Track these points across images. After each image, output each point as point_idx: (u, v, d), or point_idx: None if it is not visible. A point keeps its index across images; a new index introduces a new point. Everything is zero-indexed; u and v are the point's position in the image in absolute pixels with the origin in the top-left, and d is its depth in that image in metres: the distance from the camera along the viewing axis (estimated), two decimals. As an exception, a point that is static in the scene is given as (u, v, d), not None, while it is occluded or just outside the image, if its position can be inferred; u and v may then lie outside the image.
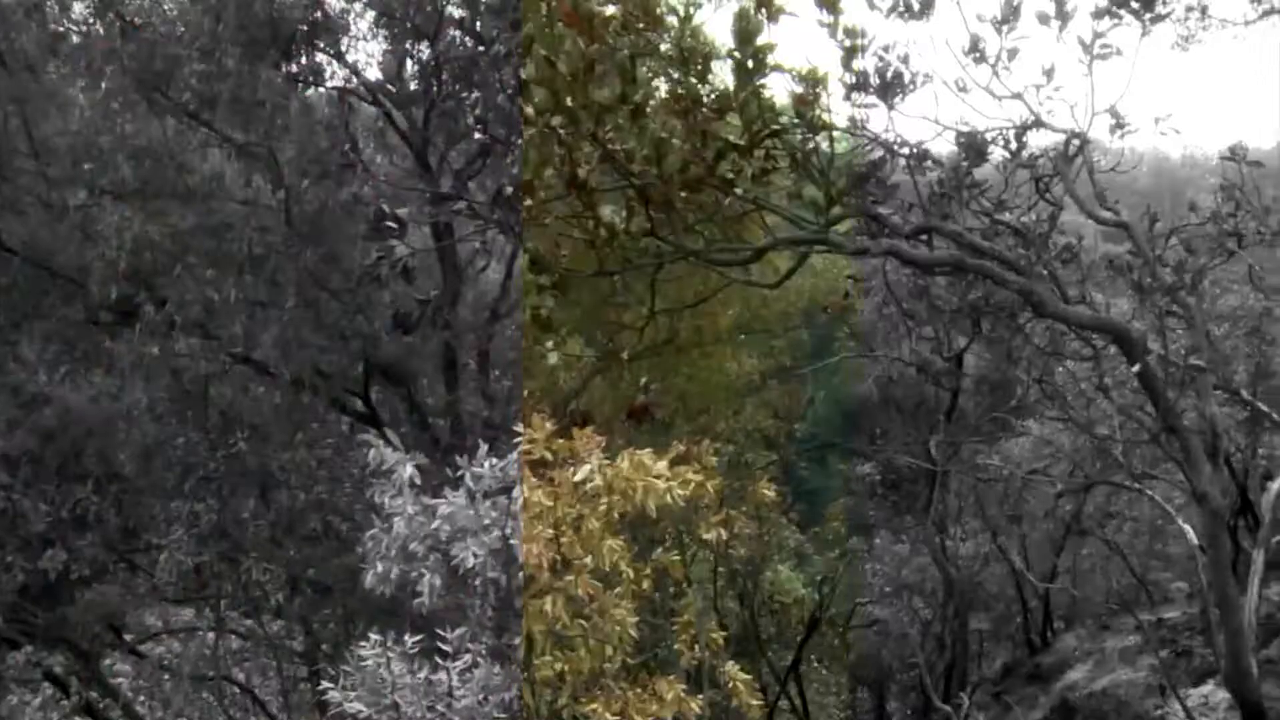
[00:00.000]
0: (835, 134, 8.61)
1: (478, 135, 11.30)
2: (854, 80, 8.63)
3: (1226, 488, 19.45)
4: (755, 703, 8.19)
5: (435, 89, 13.99)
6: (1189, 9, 18.87)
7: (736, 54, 8.33)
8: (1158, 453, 13.38)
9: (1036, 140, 10.67)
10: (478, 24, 8.34)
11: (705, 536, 8.38)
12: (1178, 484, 13.50)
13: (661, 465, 6.91)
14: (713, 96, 8.62)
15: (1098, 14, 9.68)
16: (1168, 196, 25.52)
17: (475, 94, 9.15)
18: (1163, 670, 16.90)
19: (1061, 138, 10.19)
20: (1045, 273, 9.66)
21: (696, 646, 8.30)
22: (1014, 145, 9.98)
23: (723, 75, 9.05)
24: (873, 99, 8.46)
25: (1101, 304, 11.86)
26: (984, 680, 22.54)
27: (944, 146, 9.58)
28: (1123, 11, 9.97)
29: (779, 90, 8.74)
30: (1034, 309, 9.48)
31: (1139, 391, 11.51)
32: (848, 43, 8.41)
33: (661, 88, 9.32)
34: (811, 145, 8.16)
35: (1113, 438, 13.49)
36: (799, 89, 8.31)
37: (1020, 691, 21.25)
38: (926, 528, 14.36)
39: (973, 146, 9.18)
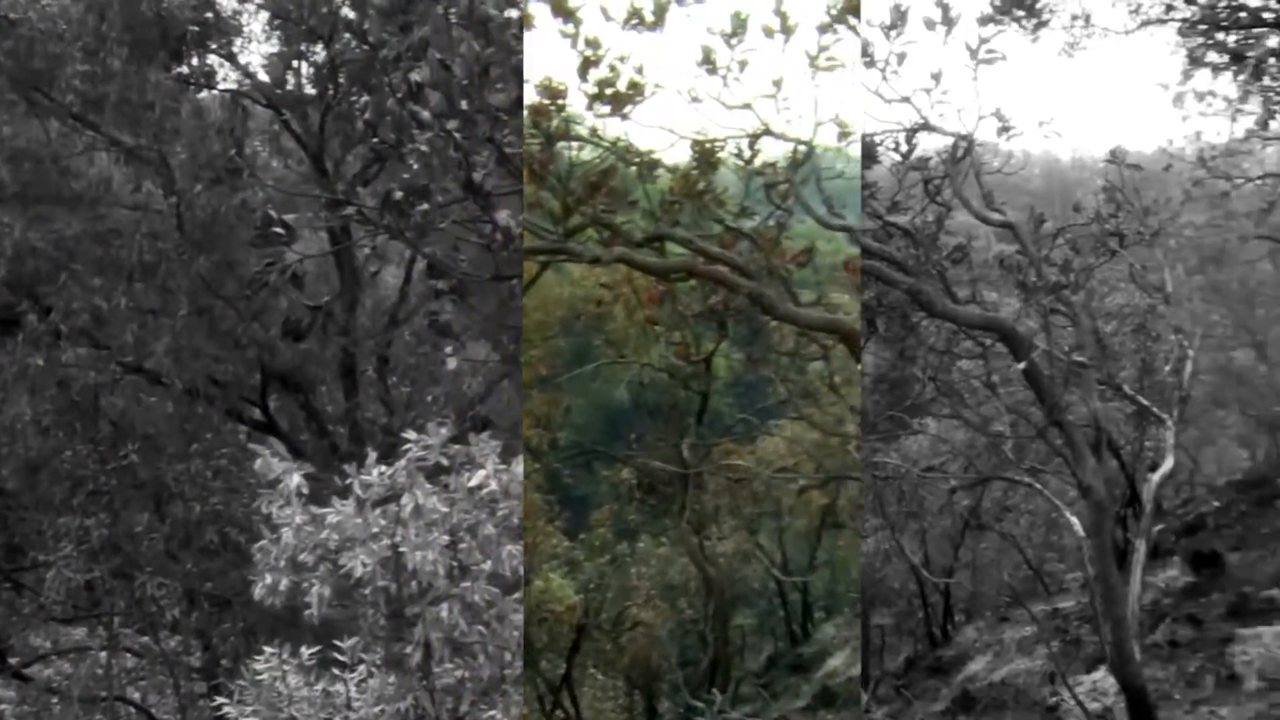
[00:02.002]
0: (576, 144, 8.79)
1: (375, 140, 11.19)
2: (594, 90, 8.77)
3: (1115, 479, 20.16)
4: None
5: (331, 92, 13.84)
6: (1074, 17, 19.55)
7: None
8: (1052, 447, 13.78)
9: (930, 143, 10.96)
10: (366, 26, 8.23)
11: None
12: (1069, 478, 13.94)
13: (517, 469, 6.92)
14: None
15: (983, 20, 9.96)
16: (1058, 198, 26.29)
17: (365, 98, 9.04)
18: (1054, 659, 17.40)
19: (950, 141, 10.46)
20: (935, 273, 9.89)
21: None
22: (904, 148, 10.21)
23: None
24: (607, 108, 8.60)
25: (994, 303, 12.20)
26: (886, 675, 23.00)
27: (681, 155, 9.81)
28: (1006, 18, 10.29)
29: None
30: (923, 308, 9.70)
31: (1030, 388, 11.84)
32: (587, 53, 8.55)
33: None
34: (547, 155, 8.29)
35: (1004, 434, 13.87)
36: (535, 99, 8.45)
37: (922, 685, 21.72)
38: (681, 529, 14.67)
39: (704, 155, 9.40)
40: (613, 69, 8.45)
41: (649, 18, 8.45)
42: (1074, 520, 11.60)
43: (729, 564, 16.38)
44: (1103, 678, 16.48)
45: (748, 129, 9.23)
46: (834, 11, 8.50)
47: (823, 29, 8.63)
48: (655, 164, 9.31)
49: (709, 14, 8.54)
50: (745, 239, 9.51)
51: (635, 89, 8.63)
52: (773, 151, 9.38)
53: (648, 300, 11.44)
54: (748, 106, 8.94)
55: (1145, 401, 14.54)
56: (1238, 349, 26.38)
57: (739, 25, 8.48)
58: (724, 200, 9.68)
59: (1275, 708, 15.70)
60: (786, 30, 8.42)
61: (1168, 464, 13.23)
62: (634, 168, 9.18)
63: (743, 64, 8.62)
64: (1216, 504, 24.92)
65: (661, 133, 9.13)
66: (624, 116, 8.72)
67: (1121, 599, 10.70)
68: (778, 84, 8.81)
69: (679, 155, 9.45)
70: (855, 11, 8.41)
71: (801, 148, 9.12)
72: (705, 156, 9.40)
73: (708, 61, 8.68)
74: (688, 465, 13.62)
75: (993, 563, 24.52)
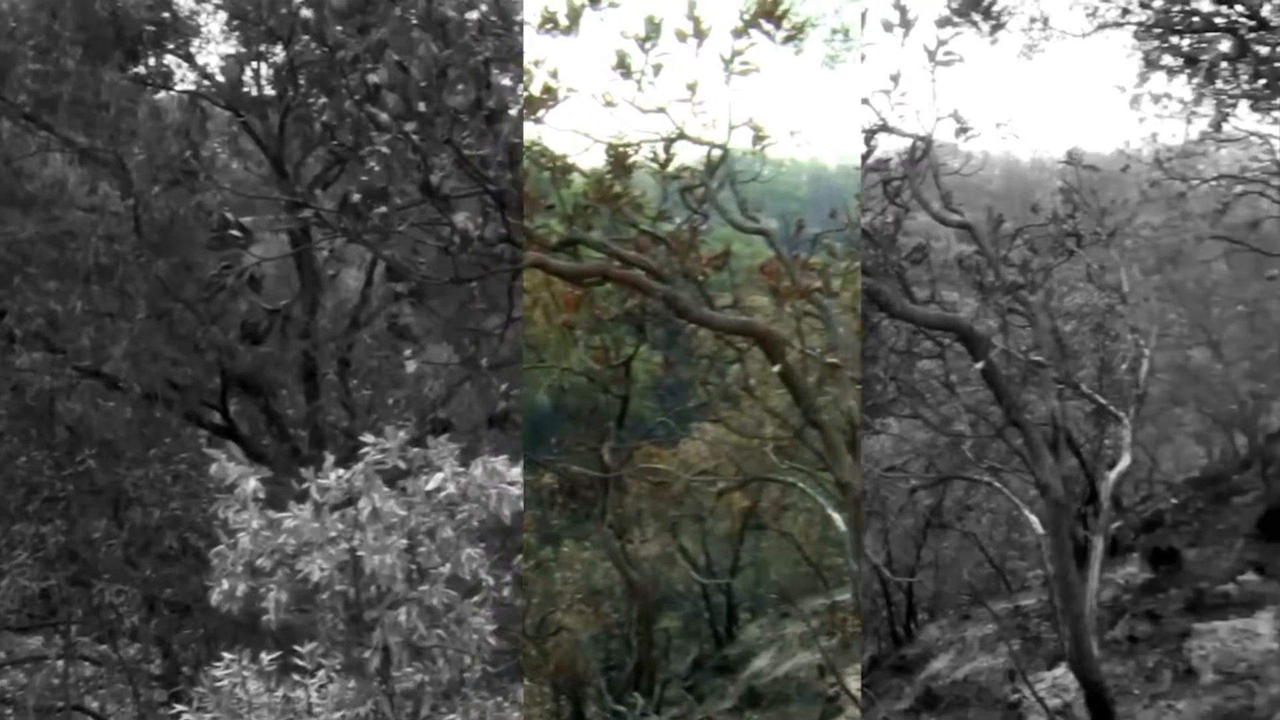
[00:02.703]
0: None
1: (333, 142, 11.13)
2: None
3: (1075, 477, 20.35)
4: (619, 709, 8.23)
5: (291, 94, 13.73)
6: (1032, 20, 19.73)
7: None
8: (1010, 446, 13.90)
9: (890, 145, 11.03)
10: (323, 27, 8.16)
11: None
12: (1030, 476, 14.07)
13: (515, 471, 6.89)
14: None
15: (941, 23, 10.04)
16: (1018, 199, 26.47)
17: (322, 99, 8.97)
18: (1014, 656, 17.55)
19: (908, 142, 10.53)
20: (894, 273, 9.96)
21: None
22: (864, 149, 10.28)
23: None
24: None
25: (954, 303, 12.29)
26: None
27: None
28: (964, 21, 10.38)
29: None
30: (882, 309, 9.77)
31: (989, 388, 11.94)
32: None
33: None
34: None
35: (964, 434, 13.98)
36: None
37: (885, 684, 21.85)
38: (603, 533, 14.70)
39: (618, 160, 9.46)
40: (526, 73, 8.47)
41: (563, 22, 8.47)
42: (1033, 518, 11.72)
43: (652, 567, 16.46)
44: (1063, 674, 16.63)
45: (663, 133, 9.27)
46: (747, 16, 8.54)
47: (737, 33, 8.68)
48: (570, 168, 9.34)
49: (623, 18, 8.58)
50: (661, 243, 9.53)
51: (549, 93, 8.65)
52: (689, 155, 9.43)
53: (565, 304, 11.44)
54: (662, 110, 8.99)
55: (1103, 400, 14.71)
56: (1194, 348, 26.71)
57: (653, 29, 8.51)
58: (641, 204, 9.71)
59: (1230, 700, 15.94)
60: (700, 34, 8.47)
61: (1124, 462, 13.40)
62: (548, 172, 9.20)
63: (657, 68, 8.66)
64: (1174, 501, 25.23)
65: (576, 137, 9.16)
66: (538, 120, 8.75)
67: (1080, 596, 10.82)
68: (692, 88, 8.86)
69: (594, 159, 9.48)
70: (770, 15, 8.46)
71: (717, 151, 9.16)
72: (620, 160, 9.44)
73: (622, 66, 8.71)
74: (609, 469, 13.64)
75: (955, 561, 24.70)
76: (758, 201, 9.69)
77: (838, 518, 12.02)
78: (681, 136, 9.22)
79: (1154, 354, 17.04)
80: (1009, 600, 21.26)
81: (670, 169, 9.52)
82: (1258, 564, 19.56)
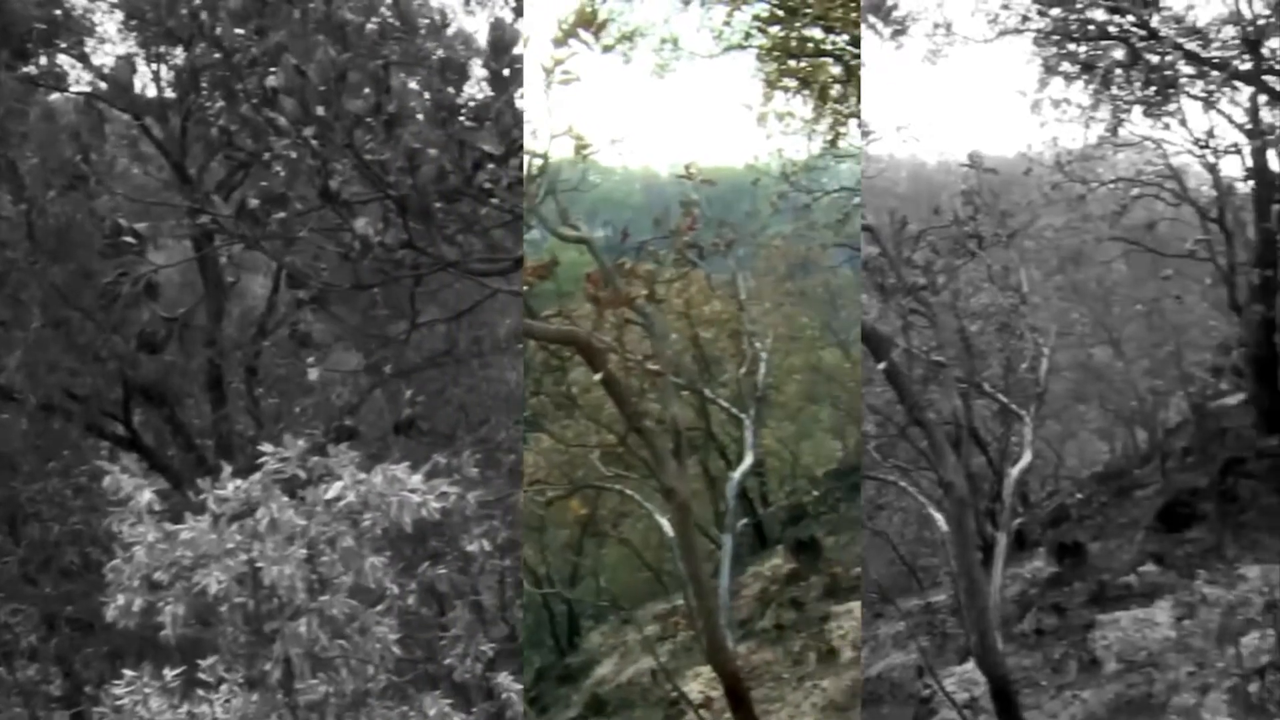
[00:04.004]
0: None
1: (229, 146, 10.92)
2: None
3: (984, 474, 20.78)
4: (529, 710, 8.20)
5: (193, 97, 13.40)
6: (935, 25, 20.17)
7: (492, 64, 8.36)
8: (914, 445, 14.15)
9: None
10: (218, 30, 8.02)
11: (468, 549, 8.37)
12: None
13: (416, 479, 6.83)
14: (470, 106, 8.60)
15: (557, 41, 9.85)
16: (924, 201, 26.97)
17: (220, 103, 8.82)
18: (923, 652, 17.88)
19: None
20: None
21: (466, 660, 8.28)
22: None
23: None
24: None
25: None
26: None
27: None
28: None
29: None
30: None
31: (892, 388, 12.14)
32: None
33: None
34: None
35: (868, 434, 14.22)
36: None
37: (554, 693, 21.93)
38: None
39: None
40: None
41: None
42: (938, 516, 11.96)
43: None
44: (973, 668, 17.01)
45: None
46: (566, 26, 8.59)
47: (557, 43, 8.73)
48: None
49: (446, 27, 8.60)
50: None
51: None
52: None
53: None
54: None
55: (1004, 399, 15.06)
56: (1096, 346, 27.44)
57: (474, 39, 8.55)
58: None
59: (1132, 688, 16.43)
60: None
61: (1026, 459, 13.73)
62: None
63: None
64: (1079, 496, 25.93)
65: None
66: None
67: (984, 592, 11.06)
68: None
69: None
70: (588, 24, 8.52)
71: (538, 161, 9.21)
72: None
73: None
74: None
75: (866, 559, 25.01)
76: (591, 210, 9.76)
77: (665, 523, 12.26)
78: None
79: (1056, 353, 17.50)
80: (919, 597, 21.62)
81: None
82: (1157, 555, 20.18)
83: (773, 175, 19.67)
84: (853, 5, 14.17)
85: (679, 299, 17.52)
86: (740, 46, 16.96)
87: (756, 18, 14.65)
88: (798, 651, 17.47)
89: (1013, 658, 17.41)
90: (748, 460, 14.83)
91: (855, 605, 18.04)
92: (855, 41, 14.73)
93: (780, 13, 13.99)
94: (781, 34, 14.28)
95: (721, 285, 17.66)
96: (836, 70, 16.36)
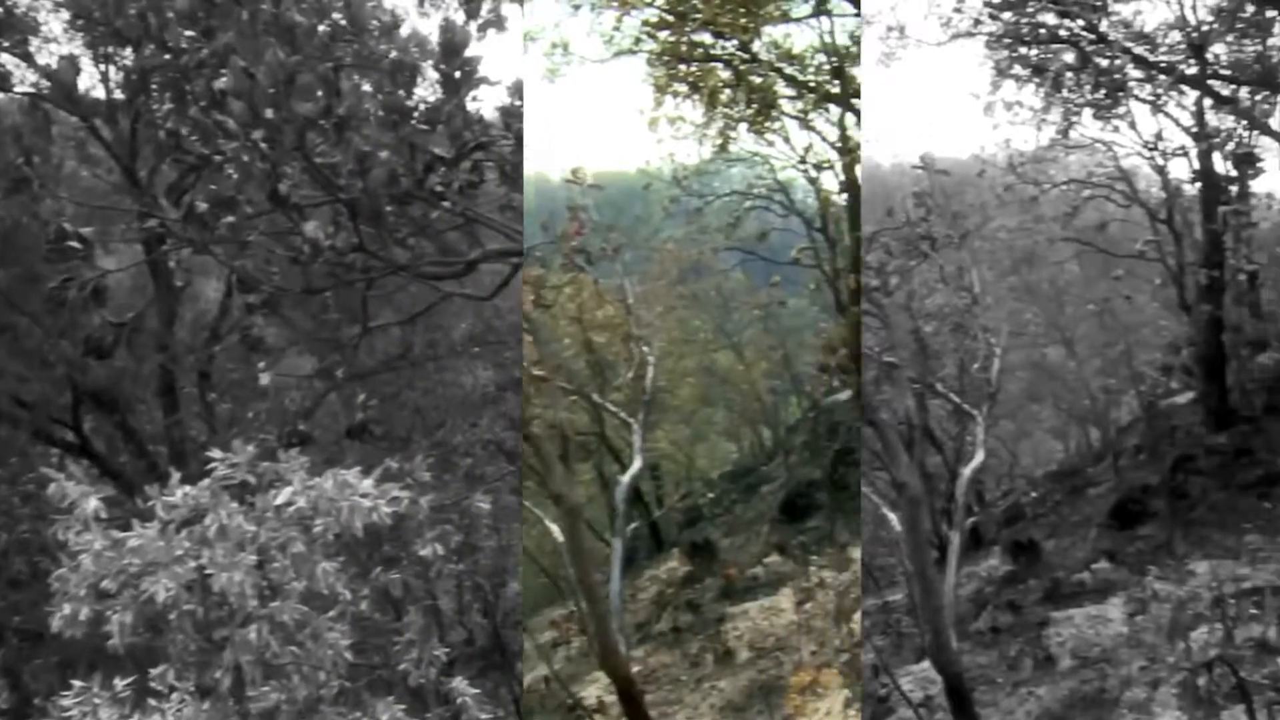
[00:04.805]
0: None
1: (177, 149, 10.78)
2: None
3: (940, 474, 20.96)
4: (484, 717, 8.14)
5: (143, 98, 13.22)
6: (889, 29, 20.36)
7: (443, 66, 8.33)
8: (867, 446, 14.26)
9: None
10: (165, 31, 7.92)
11: (421, 553, 8.32)
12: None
13: (367, 483, 6.78)
14: (421, 109, 8.56)
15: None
16: (879, 203, 27.15)
17: (168, 106, 8.71)
18: (879, 651, 18.01)
19: None
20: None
21: (421, 665, 8.22)
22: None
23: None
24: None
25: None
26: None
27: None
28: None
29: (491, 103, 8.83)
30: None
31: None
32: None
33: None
34: (518, 157, 8.23)
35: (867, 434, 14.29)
36: (509, 101, 8.38)
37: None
38: None
39: None
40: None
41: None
42: (892, 516, 12.05)
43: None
44: (929, 667, 17.15)
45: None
46: None
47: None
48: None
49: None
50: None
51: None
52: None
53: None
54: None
55: (956, 399, 15.20)
56: (1049, 346, 27.80)
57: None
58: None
59: (1086, 684, 16.62)
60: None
61: (978, 458, 13.86)
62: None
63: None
64: (1033, 494, 26.23)
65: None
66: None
67: (938, 590, 11.15)
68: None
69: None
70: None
71: None
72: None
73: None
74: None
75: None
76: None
77: (555, 529, 12.34)
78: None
79: (1010, 353, 17.69)
80: (876, 596, 21.76)
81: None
82: (1110, 552, 20.46)
83: (664, 179, 20.03)
84: (742, 11, 14.37)
85: (571, 304, 17.65)
86: (630, 51, 17.23)
87: (646, 23, 14.80)
88: (695, 653, 17.57)
89: (969, 655, 17.59)
90: (637, 464, 14.96)
91: (1075, 612, 18.26)
92: (745, 46, 15.00)
93: (670, 18, 14.13)
94: (671, 39, 14.50)
95: (612, 290, 17.75)
96: (726, 75, 16.64)
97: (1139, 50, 17.87)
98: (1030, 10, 18.06)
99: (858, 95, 18.02)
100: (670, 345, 20.80)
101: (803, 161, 21.69)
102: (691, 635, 18.23)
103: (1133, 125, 21.41)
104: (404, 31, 9.40)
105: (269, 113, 7.91)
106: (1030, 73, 19.07)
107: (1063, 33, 17.89)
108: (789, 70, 18.03)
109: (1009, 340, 18.18)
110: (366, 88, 8.75)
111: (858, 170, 19.83)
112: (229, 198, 8.19)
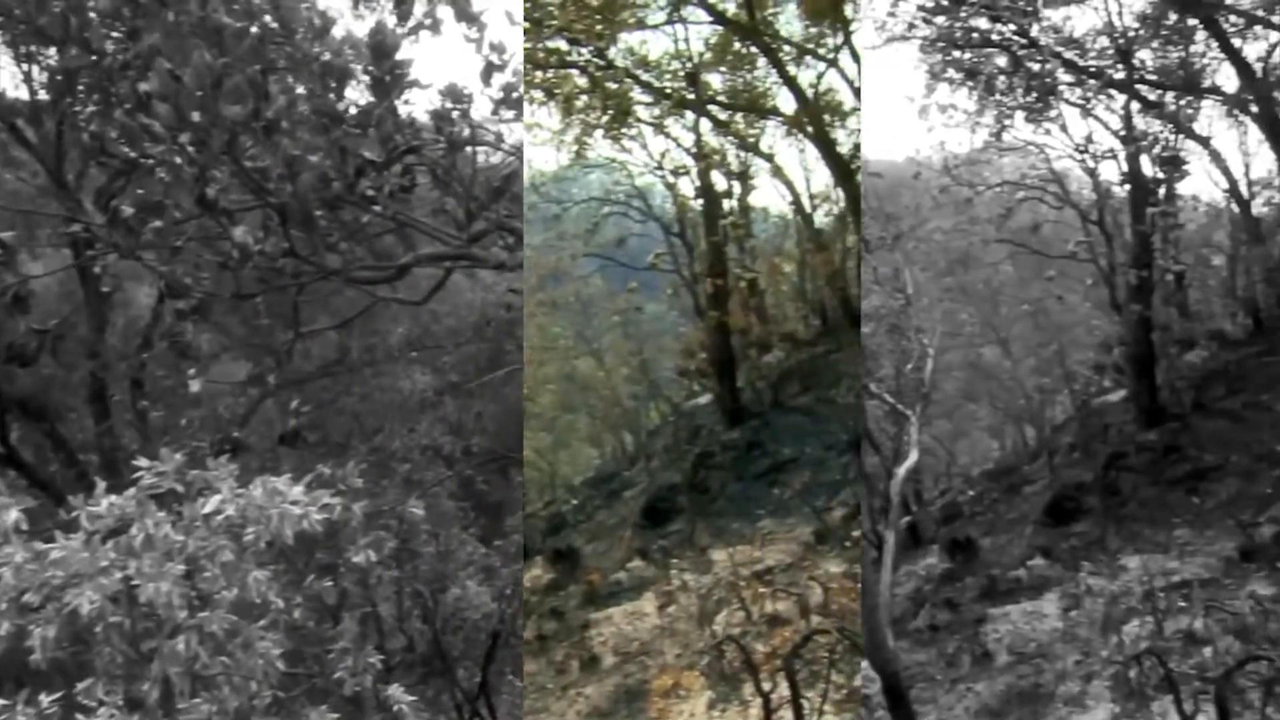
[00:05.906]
0: (482, 149, 8.72)
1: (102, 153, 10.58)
2: (500, 95, 8.74)
3: (879, 475, 21.13)
4: (422, 724, 8.07)
5: (69, 100, 12.95)
6: (825, 34, 20.51)
7: (373, 69, 8.27)
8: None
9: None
10: (86, 32, 7.76)
11: (354, 560, 8.24)
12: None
13: (297, 490, 6.70)
14: (352, 112, 8.48)
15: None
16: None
17: (92, 108, 8.55)
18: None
19: None
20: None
21: (356, 673, 8.13)
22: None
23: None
24: (512, 114, 8.59)
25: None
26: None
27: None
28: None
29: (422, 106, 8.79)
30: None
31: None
32: (492, 58, 8.51)
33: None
34: (450, 160, 8.18)
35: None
36: (440, 104, 8.35)
37: None
38: None
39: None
40: (516, 74, 8.39)
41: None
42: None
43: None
44: (866, 665, 17.33)
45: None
46: None
47: None
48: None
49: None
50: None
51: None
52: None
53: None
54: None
55: (891, 400, 15.37)
56: (985, 346, 28.21)
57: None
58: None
59: (1022, 679, 16.88)
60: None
61: (912, 458, 14.02)
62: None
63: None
64: (970, 493, 26.59)
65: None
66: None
67: (874, 590, 11.25)
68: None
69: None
70: None
71: None
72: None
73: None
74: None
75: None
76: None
77: None
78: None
79: (947, 353, 17.94)
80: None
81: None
82: (1045, 548, 20.80)
83: (934, 168, 19.97)
84: (598, 17, 14.50)
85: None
86: (903, 38, 17.22)
87: (501, 30, 14.78)
88: (560, 660, 17.62)
89: (908, 654, 17.79)
90: (912, 457, 14.80)
91: (1012, 608, 18.41)
92: (600, 53, 15.17)
93: (526, 25, 14.20)
94: (528, 46, 14.61)
95: (882, 279, 17.49)
96: (582, 81, 16.82)
97: (1069, 55, 18.25)
98: (963, 15, 18.36)
99: (712, 101, 18.37)
100: (531, 353, 20.86)
101: (659, 167, 22.10)
102: (555, 642, 18.24)
103: (1064, 128, 21.86)
104: (337, 33, 9.33)
105: (196, 116, 7.80)
106: (964, 76, 19.38)
107: (995, 37, 18.20)
108: (645, 76, 18.33)
109: (945, 340, 18.43)
110: (300, 90, 8.66)
111: (713, 176, 20.15)
112: (156, 202, 8.04)
